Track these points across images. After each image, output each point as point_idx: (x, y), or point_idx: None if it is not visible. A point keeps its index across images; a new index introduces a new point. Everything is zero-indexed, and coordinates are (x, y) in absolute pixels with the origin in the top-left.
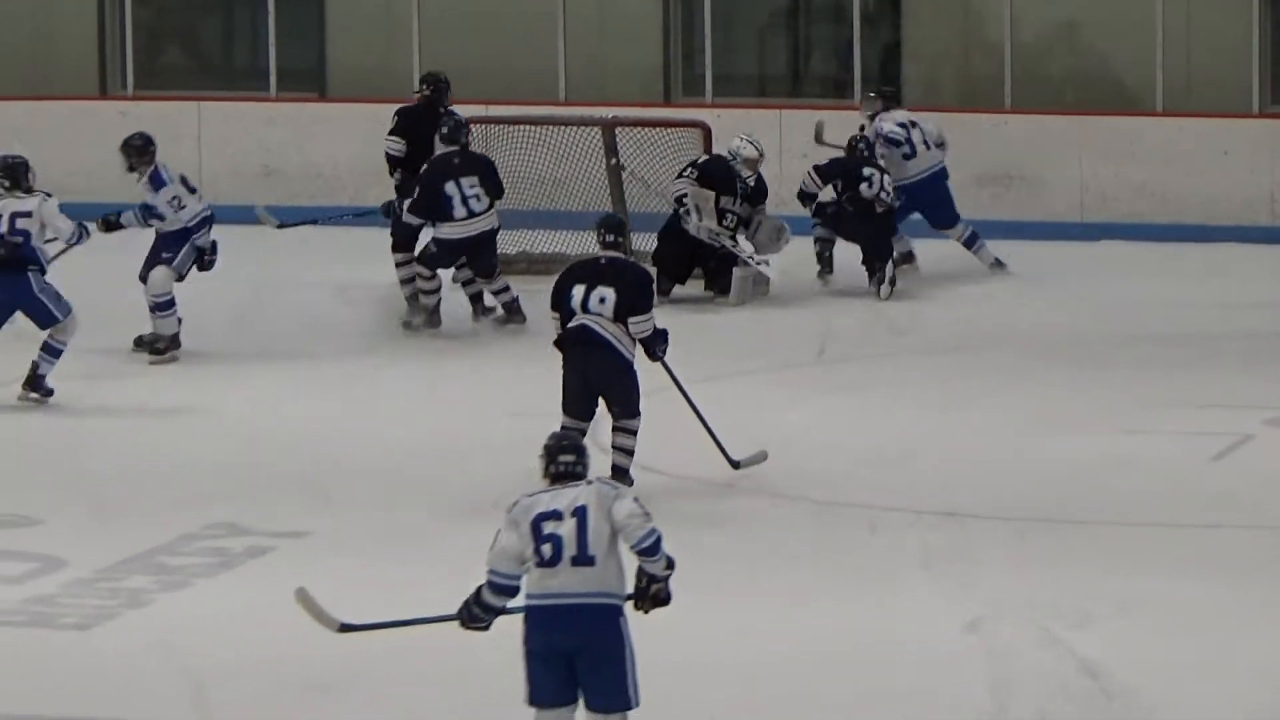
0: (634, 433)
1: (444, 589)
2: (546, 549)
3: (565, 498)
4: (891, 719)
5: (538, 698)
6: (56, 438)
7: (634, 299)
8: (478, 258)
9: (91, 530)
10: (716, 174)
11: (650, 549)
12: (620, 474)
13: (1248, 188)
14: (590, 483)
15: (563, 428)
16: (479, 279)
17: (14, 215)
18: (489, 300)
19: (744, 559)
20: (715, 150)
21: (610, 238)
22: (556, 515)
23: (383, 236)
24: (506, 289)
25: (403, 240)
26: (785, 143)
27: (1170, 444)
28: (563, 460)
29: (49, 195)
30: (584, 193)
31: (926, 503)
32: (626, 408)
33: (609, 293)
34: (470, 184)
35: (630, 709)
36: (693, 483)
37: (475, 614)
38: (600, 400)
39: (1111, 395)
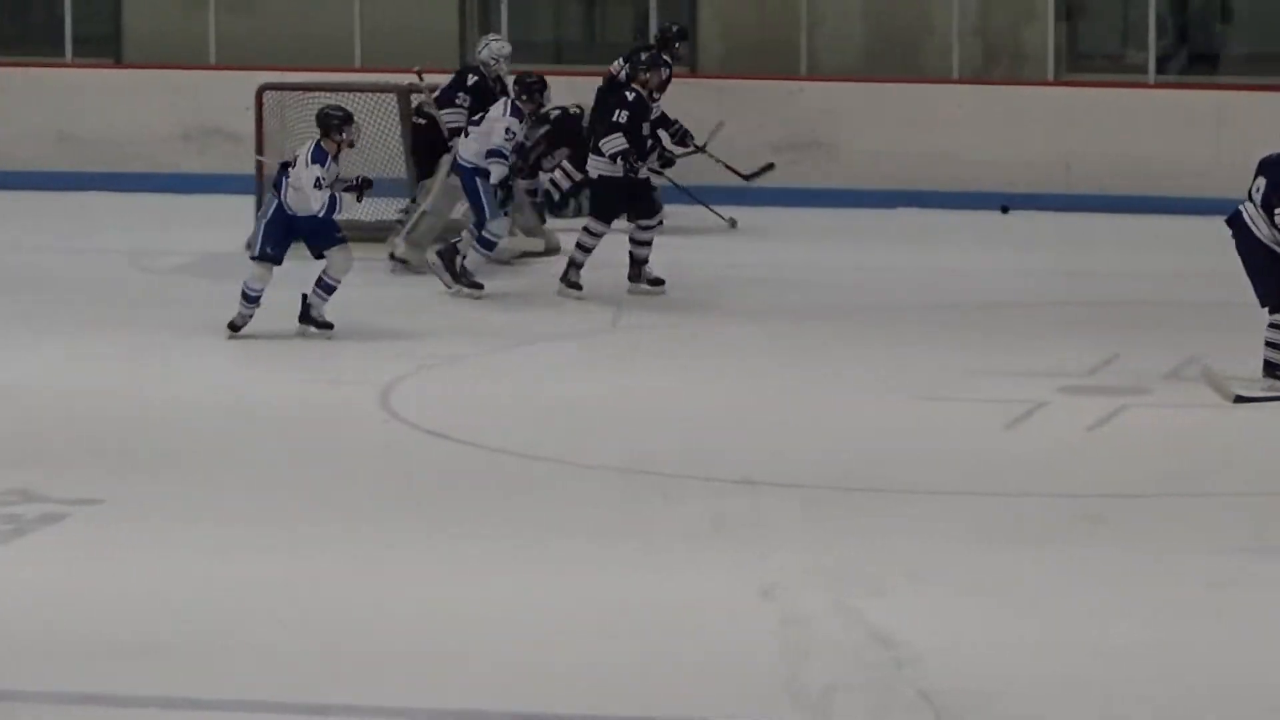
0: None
1: (238, 555)
2: None
3: None
4: (682, 687)
5: None
6: None
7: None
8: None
9: None
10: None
11: None
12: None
13: (1044, 154)
14: None
15: None
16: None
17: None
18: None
19: (537, 526)
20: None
21: None
22: None
23: (173, 203)
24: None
25: None
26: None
27: (965, 411)
28: None
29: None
30: (379, 159)
31: (720, 470)
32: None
33: (1261, 181)
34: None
35: None
36: (490, 451)
37: None
38: None
39: (908, 363)
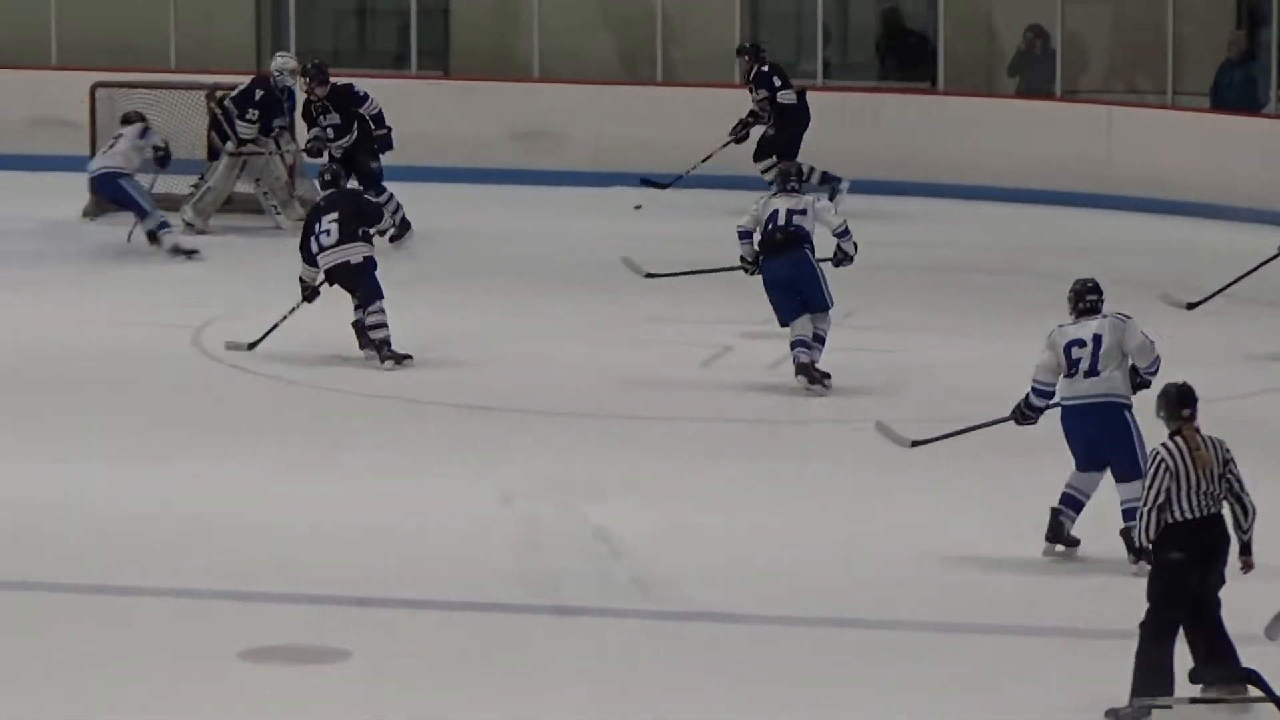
0: None
1: (73, 463)
2: (1070, 367)
3: (1088, 329)
4: (435, 579)
5: (1079, 465)
6: None
7: None
8: None
9: None
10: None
11: (1155, 370)
12: None
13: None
14: (1106, 316)
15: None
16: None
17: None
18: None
19: (320, 444)
20: None
21: None
22: (1081, 342)
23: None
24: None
25: None
26: None
27: (668, 352)
28: (1089, 299)
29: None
30: (186, 143)
31: (460, 398)
32: None
33: None
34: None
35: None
36: (285, 383)
37: (1025, 414)
38: None
39: (615, 312)
